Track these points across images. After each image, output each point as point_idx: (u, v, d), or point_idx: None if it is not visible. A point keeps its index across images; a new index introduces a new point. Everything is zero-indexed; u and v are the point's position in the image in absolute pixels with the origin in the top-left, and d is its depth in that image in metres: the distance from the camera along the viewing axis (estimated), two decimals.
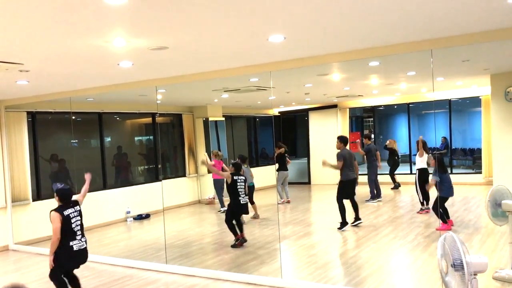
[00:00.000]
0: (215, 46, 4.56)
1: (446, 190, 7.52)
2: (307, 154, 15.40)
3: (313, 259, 6.48)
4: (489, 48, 5.95)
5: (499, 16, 3.84)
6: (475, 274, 3.06)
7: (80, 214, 4.91)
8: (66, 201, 4.88)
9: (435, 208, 7.63)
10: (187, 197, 12.28)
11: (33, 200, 8.73)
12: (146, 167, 12.42)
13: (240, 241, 7.27)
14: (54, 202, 8.98)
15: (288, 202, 11.54)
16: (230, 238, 7.60)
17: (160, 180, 11.19)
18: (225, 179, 7.52)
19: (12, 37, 3.77)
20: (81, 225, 4.87)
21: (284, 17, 3.59)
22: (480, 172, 12.59)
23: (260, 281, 5.62)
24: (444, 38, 4.55)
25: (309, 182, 15.17)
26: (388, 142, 12.43)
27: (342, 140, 8.43)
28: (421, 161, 9.09)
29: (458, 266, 3.01)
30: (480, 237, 7.08)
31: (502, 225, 5.36)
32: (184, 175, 12.32)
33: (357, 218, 8.35)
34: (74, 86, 6.93)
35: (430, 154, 8.50)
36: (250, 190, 9.39)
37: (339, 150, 8.37)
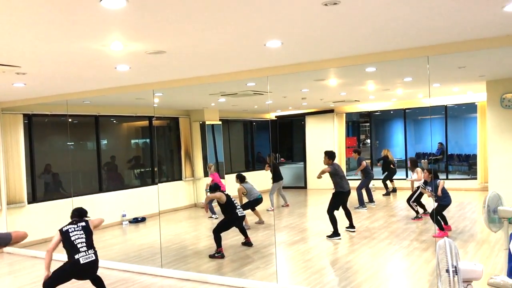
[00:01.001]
0: (212, 51, 4.57)
1: (446, 198, 7.60)
2: (303, 159, 15.42)
3: (308, 264, 6.47)
4: (485, 55, 5.99)
5: (495, 23, 3.87)
6: (469, 281, 3.07)
7: (84, 230, 4.99)
8: (74, 218, 5.14)
9: (432, 216, 7.68)
10: (183, 201, 12.26)
11: (29, 203, 8.69)
12: (142, 170, 12.41)
13: (220, 255, 7.04)
14: (50, 205, 8.99)
15: (287, 205, 11.57)
16: (227, 242, 7.60)
17: (156, 184, 11.18)
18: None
19: (9, 39, 3.77)
20: (87, 238, 4.94)
21: (281, 22, 3.61)
22: (476, 178, 12.64)
23: (256, 286, 5.62)
24: (440, 45, 4.58)
25: (305, 187, 15.18)
26: (382, 152, 12.55)
27: (330, 156, 8.17)
28: (418, 177, 9.22)
29: (452, 272, 3.02)
30: (475, 244, 7.09)
31: (497, 231, 5.38)
32: (180, 179, 12.31)
33: (351, 225, 8.31)
34: (71, 89, 6.92)
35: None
36: (258, 202, 9.30)
37: (326, 166, 8.16)
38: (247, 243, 7.60)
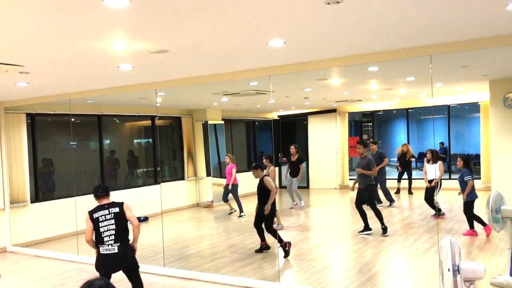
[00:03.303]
0: (215, 50, 4.57)
1: (471, 193, 7.51)
2: (306, 158, 15.41)
3: (311, 264, 6.47)
4: (488, 54, 5.97)
5: (499, 22, 3.86)
6: (472, 281, 3.07)
7: (116, 218, 4.57)
8: (100, 196, 4.69)
9: (467, 214, 7.59)
10: (186, 200, 12.27)
11: (32, 202, 8.71)
12: (144, 169, 12.41)
13: (265, 247, 7.08)
14: (52, 205, 8.99)
15: (299, 204, 11.34)
16: (229, 241, 7.59)
17: (159, 183, 11.19)
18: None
19: (13, 39, 3.78)
20: (116, 229, 4.51)
21: (284, 22, 3.61)
22: (479, 178, 12.60)
23: (258, 285, 5.62)
24: (443, 44, 4.57)
25: (307, 187, 15.17)
26: (402, 148, 12.41)
27: (365, 145, 8.31)
28: (431, 171, 9.07)
29: (454, 271, 3.02)
30: (478, 243, 7.08)
31: (499, 230, 5.38)
32: (183, 178, 12.31)
33: (368, 227, 8.19)
34: (73, 88, 6.94)
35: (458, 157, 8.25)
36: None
37: (364, 155, 8.18)
38: (265, 246, 7.19)
